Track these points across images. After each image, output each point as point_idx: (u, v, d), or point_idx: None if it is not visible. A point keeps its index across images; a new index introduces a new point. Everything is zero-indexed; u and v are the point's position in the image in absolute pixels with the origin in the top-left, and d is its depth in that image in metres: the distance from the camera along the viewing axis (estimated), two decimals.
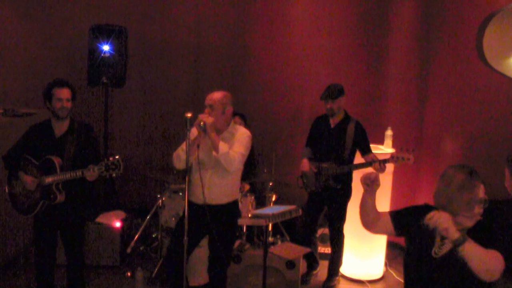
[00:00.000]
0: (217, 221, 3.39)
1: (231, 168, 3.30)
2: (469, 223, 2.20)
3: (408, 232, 2.39)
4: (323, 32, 5.72)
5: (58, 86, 3.45)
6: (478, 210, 2.18)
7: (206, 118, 3.23)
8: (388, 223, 2.41)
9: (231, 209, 3.52)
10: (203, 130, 3.21)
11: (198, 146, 3.24)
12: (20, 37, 5.34)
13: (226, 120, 3.44)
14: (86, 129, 3.62)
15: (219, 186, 3.40)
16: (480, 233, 2.19)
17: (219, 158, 3.25)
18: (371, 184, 2.35)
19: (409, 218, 2.38)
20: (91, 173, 3.29)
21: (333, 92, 4.20)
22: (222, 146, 3.25)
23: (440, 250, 2.26)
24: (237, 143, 3.37)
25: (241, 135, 3.44)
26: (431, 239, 2.28)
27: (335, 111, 4.25)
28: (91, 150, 3.56)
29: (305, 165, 4.35)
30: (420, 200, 5.02)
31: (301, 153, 4.50)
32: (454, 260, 2.14)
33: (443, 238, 2.23)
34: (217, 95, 3.39)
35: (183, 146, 3.29)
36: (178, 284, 3.52)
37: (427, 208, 2.36)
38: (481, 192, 2.18)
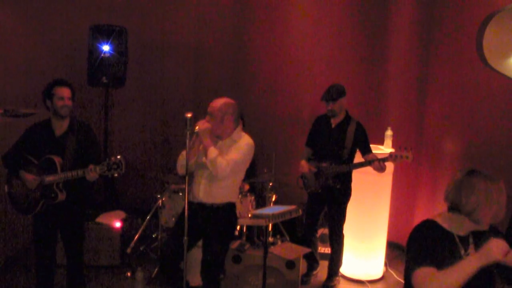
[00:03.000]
0: (212, 222, 3.38)
1: (218, 174, 3.23)
2: (486, 226, 2.13)
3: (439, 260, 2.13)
4: (323, 32, 5.71)
5: (59, 85, 3.48)
6: None
7: (201, 125, 3.26)
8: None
9: (227, 211, 3.46)
10: (197, 136, 3.26)
11: (190, 149, 3.26)
12: (20, 37, 5.33)
13: (227, 128, 3.41)
14: (85, 128, 3.63)
15: (214, 186, 3.37)
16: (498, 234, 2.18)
17: (207, 163, 3.26)
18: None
19: (436, 249, 2.11)
20: (92, 173, 3.29)
21: (334, 94, 4.19)
22: (211, 152, 3.23)
23: None
24: (233, 150, 3.34)
25: (242, 143, 3.39)
26: (457, 254, 2.15)
27: (336, 112, 4.26)
28: (91, 149, 3.57)
29: (304, 166, 4.35)
30: (420, 200, 5.04)
31: (302, 153, 4.51)
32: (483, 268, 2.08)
33: (466, 249, 2.16)
34: (216, 104, 3.38)
35: (184, 152, 3.34)
36: (176, 284, 3.53)
37: (434, 230, 2.16)
38: None
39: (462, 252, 2.15)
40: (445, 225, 2.18)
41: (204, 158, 3.29)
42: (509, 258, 1.99)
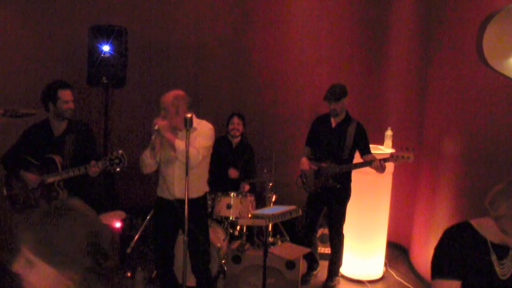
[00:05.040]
0: (190, 216, 3.37)
1: (192, 163, 3.26)
2: None
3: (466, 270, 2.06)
4: (323, 32, 5.71)
5: (63, 88, 3.49)
6: None
7: (159, 122, 3.30)
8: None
9: (201, 203, 3.57)
10: (158, 133, 3.29)
11: (153, 148, 3.35)
12: (20, 37, 5.33)
13: (183, 118, 3.40)
14: (84, 128, 3.64)
15: (188, 180, 3.33)
16: None
17: (178, 156, 3.31)
18: None
19: (465, 257, 2.04)
20: (95, 168, 3.31)
21: (337, 93, 4.19)
22: (179, 144, 3.28)
23: (503, 270, 2.06)
24: (199, 137, 3.42)
25: (203, 129, 3.49)
26: (486, 258, 2.05)
27: (338, 111, 4.26)
28: (90, 148, 3.59)
29: (305, 163, 4.35)
30: (420, 200, 5.03)
31: (302, 152, 4.51)
32: None
33: (500, 258, 2.06)
34: (168, 98, 3.44)
35: (146, 152, 3.42)
36: (171, 284, 3.60)
37: (465, 235, 2.08)
38: None
39: (494, 257, 2.04)
40: (478, 228, 2.08)
41: (172, 153, 3.33)
42: None
